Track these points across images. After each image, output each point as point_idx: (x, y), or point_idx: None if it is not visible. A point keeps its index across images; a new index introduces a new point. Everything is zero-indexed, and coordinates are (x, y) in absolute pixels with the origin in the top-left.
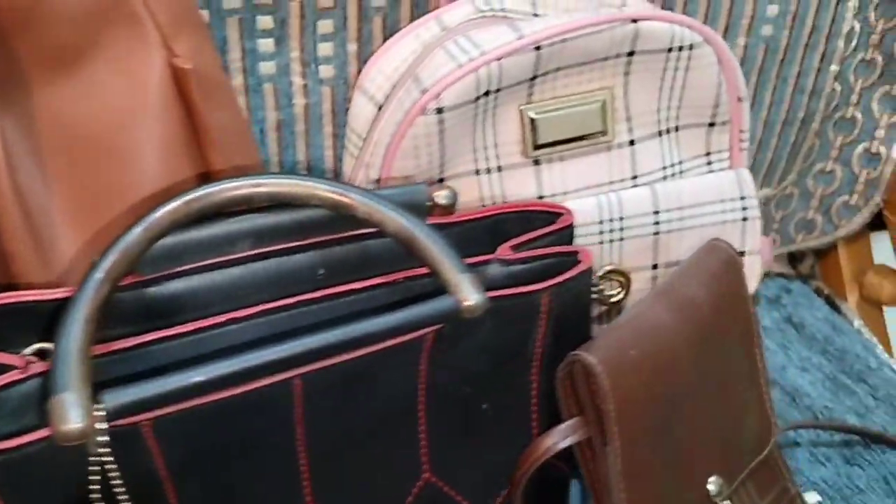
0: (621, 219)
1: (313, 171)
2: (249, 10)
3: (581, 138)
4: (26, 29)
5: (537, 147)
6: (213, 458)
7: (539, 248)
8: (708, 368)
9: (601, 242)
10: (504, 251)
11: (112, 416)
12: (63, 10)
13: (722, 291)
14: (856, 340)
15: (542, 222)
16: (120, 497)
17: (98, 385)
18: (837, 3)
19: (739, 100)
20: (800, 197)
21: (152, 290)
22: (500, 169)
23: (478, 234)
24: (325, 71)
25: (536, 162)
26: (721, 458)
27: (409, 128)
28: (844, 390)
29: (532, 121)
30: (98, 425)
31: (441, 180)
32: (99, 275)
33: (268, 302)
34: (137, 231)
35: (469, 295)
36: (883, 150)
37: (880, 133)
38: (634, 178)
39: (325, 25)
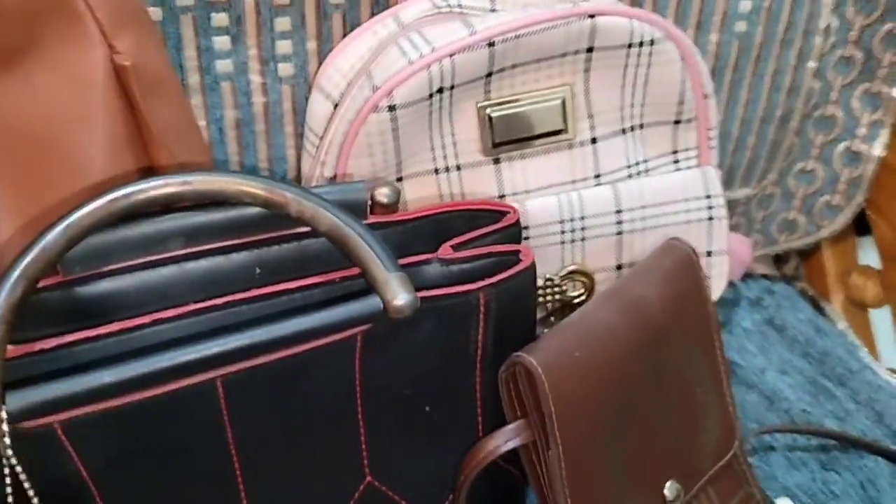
0: (582, 218)
1: (274, 171)
2: (203, 8)
3: (541, 136)
4: None
5: (496, 145)
6: (140, 461)
7: (482, 246)
8: (661, 370)
9: (562, 242)
10: (445, 250)
11: (17, 417)
12: None
13: (677, 291)
14: (839, 343)
15: (488, 221)
16: (32, 500)
17: (12, 385)
18: None
19: (705, 97)
20: (781, 197)
21: (80, 289)
22: (459, 168)
23: (423, 234)
24: (285, 69)
25: (496, 160)
26: (678, 463)
27: (362, 125)
28: (824, 394)
29: (489, 118)
30: (3, 427)
31: (399, 179)
32: (14, 273)
33: (202, 302)
34: (57, 230)
35: (397, 294)
36: (864, 148)
37: (861, 131)
38: (598, 176)
39: (283, 23)
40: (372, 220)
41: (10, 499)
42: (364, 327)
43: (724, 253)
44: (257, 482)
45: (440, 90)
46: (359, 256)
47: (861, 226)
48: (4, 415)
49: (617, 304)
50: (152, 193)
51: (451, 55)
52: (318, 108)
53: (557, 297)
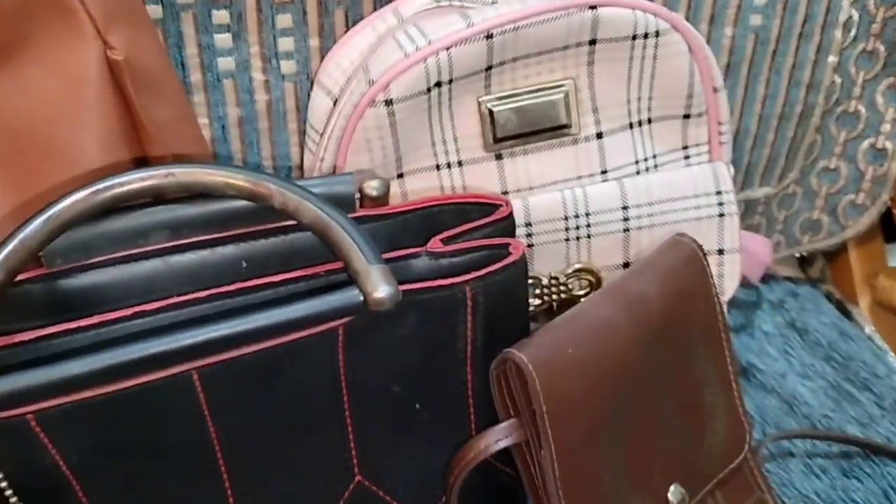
0: (587, 214)
1: (279, 168)
2: (203, 5)
3: (544, 131)
4: None
5: (497, 140)
6: (122, 455)
7: (473, 240)
8: (663, 369)
9: (567, 239)
10: (434, 244)
11: None
12: None
13: (680, 289)
14: (864, 347)
15: (479, 214)
16: (5, 492)
17: None
18: None
19: (715, 90)
20: (803, 196)
21: (63, 282)
22: (460, 164)
23: (413, 227)
24: (287, 66)
25: (498, 156)
26: (683, 466)
27: (360, 120)
28: (848, 399)
29: (490, 113)
30: None
31: (400, 175)
32: None
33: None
34: (37, 222)
35: (377, 287)
36: (889, 145)
37: (886, 127)
38: (604, 172)
39: (284, 20)
40: (361, 213)
41: None
42: (345, 320)
43: (736, 251)
44: (244, 480)
45: (438, 84)
46: (340, 248)
47: (889, 227)
48: None
49: (616, 300)
50: (134, 186)
51: (447, 48)
52: (318, 104)
53: (563, 296)
